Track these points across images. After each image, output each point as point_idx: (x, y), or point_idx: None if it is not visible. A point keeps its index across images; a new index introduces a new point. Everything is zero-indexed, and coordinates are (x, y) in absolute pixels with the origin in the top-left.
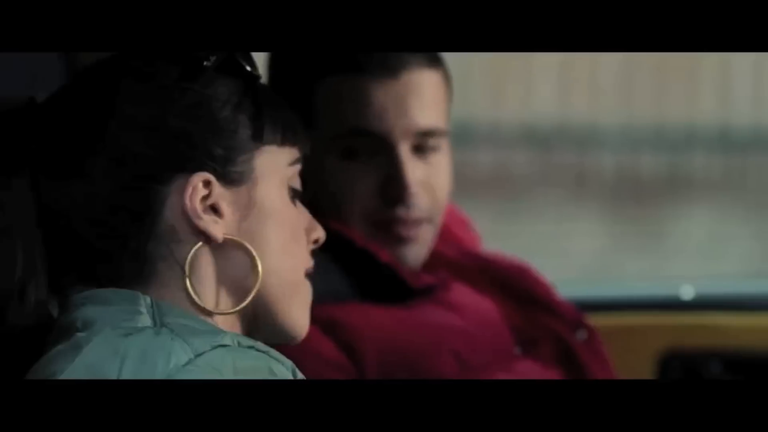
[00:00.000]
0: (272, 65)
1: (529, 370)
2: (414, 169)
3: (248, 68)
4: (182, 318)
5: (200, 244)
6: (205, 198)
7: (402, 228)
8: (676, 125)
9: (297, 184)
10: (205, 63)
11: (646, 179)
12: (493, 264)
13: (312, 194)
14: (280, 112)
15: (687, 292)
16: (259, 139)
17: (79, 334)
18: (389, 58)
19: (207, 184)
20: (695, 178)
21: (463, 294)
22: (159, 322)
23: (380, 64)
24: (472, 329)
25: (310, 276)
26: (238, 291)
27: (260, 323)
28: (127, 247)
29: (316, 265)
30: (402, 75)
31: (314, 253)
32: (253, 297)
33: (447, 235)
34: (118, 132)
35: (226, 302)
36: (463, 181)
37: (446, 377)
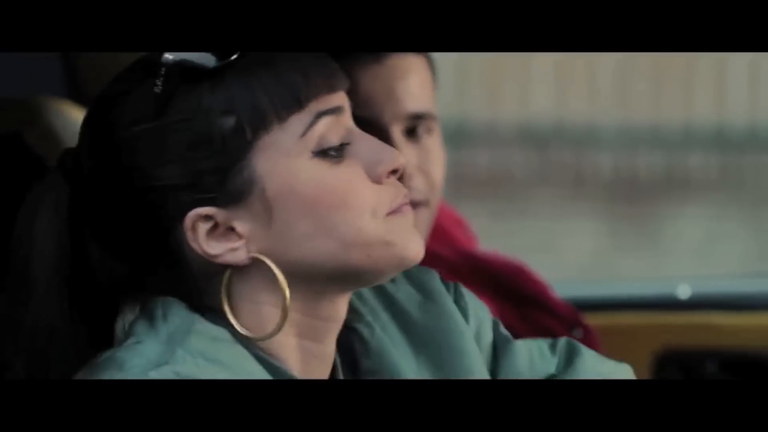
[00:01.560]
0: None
1: None
2: (407, 153)
3: (206, 65)
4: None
5: (229, 271)
6: (214, 229)
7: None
8: (672, 125)
9: (329, 140)
10: (155, 89)
11: (643, 179)
12: (488, 263)
13: None
14: (270, 84)
15: (683, 292)
16: (244, 137)
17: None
18: None
19: (207, 218)
20: (692, 177)
21: None
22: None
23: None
24: None
25: (407, 205)
26: (267, 306)
27: (354, 283)
28: (173, 289)
29: None
30: (388, 60)
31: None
32: (325, 283)
33: (442, 235)
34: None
35: (274, 318)
36: (460, 181)
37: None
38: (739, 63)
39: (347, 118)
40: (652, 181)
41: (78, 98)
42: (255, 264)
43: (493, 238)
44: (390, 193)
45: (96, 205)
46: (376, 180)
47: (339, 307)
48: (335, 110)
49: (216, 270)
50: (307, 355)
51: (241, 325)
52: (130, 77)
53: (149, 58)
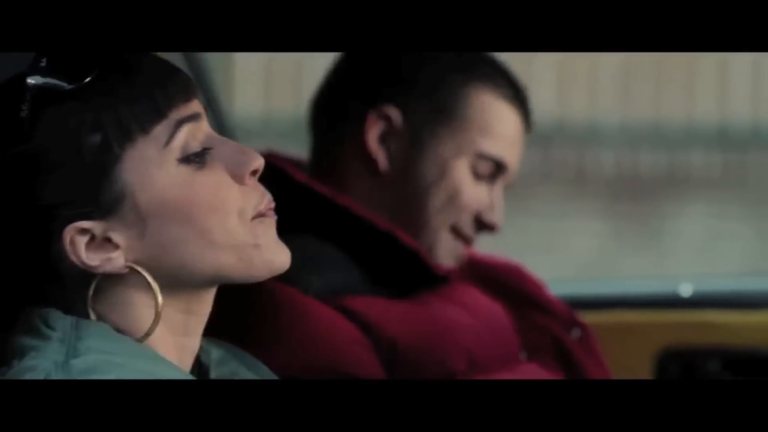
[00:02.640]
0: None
1: (533, 374)
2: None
3: (67, 86)
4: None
5: (97, 278)
6: (91, 241)
7: (467, 249)
8: (674, 123)
9: (192, 146)
10: (22, 114)
11: (645, 177)
12: (485, 265)
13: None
14: (131, 98)
15: (685, 290)
16: (110, 150)
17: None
18: (520, 90)
19: (83, 231)
20: (694, 175)
21: (472, 293)
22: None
23: (517, 96)
24: (483, 329)
25: (271, 210)
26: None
27: (226, 282)
28: (55, 298)
29: (324, 258)
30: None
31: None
32: (198, 284)
33: None
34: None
35: (148, 318)
36: None
37: (455, 375)
38: (741, 61)
39: (205, 125)
40: (654, 179)
41: None
42: (131, 270)
43: (494, 236)
44: (256, 195)
45: None
46: (240, 181)
47: (210, 301)
48: (194, 117)
49: (94, 280)
50: (181, 350)
51: (119, 327)
52: None
53: (13, 83)
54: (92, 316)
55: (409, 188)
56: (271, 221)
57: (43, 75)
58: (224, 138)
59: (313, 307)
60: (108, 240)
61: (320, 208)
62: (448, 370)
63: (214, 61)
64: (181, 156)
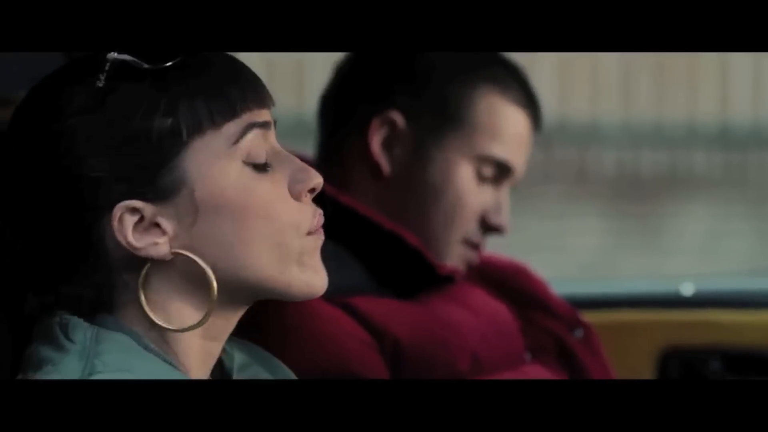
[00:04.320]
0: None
1: (537, 375)
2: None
3: (146, 65)
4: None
5: (148, 265)
6: (139, 222)
7: (478, 253)
8: (675, 122)
9: (258, 153)
10: (98, 84)
11: (646, 176)
12: (488, 265)
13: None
14: (208, 90)
15: (687, 289)
16: (179, 137)
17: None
18: (529, 90)
19: (134, 210)
20: (695, 175)
21: (476, 294)
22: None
23: (526, 97)
24: (488, 330)
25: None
26: (202, 302)
27: (262, 296)
28: (85, 280)
29: (329, 258)
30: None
31: (325, 232)
32: (236, 290)
33: None
34: (45, 179)
35: (191, 315)
36: None
37: (459, 376)
38: (742, 60)
39: (273, 136)
40: (655, 178)
41: None
42: (173, 261)
43: (495, 234)
44: (309, 213)
45: (20, 195)
46: (297, 197)
47: (242, 308)
48: (265, 124)
49: (135, 265)
50: (206, 354)
51: (157, 318)
52: (71, 71)
53: (92, 55)
54: (142, 299)
55: (413, 194)
56: (319, 240)
57: (124, 52)
58: (288, 153)
59: (319, 308)
60: (156, 225)
61: (325, 208)
62: (452, 370)
63: None
64: (246, 159)
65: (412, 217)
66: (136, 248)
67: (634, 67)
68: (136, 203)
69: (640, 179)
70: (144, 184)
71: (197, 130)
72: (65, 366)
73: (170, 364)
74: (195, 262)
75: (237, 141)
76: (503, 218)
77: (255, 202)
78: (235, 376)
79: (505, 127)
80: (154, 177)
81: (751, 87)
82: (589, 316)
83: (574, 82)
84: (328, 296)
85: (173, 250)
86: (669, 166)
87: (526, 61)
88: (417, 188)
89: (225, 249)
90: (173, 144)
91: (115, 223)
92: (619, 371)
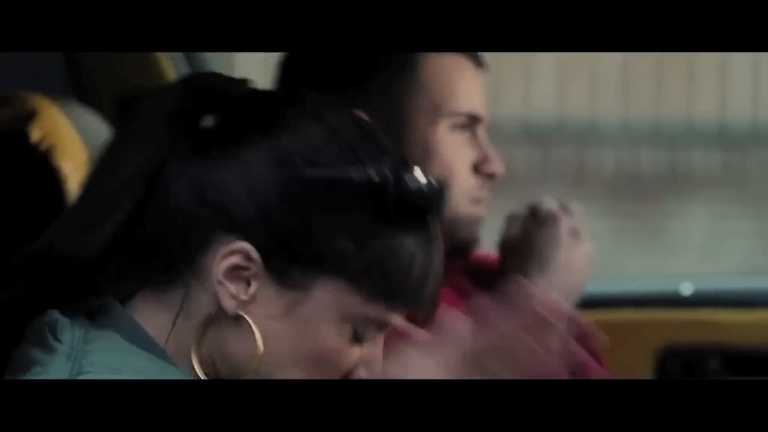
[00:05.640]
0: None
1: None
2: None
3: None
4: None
5: (215, 310)
6: (237, 269)
7: (484, 205)
8: (675, 121)
9: (363, 336)
10: (428, 218)
11: (646, 175)
12: (480, 263)
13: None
14: (406, 290)
15: (686, 288)
16: (322, 263)
17: None
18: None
19: (247, 257)
20: (694, 174)
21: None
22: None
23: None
24: None
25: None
26: (232, 367)
27: None
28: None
29: None
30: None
31: None
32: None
33: None
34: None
35: (213, 369)
36: None
37: None
38: (741, 60)
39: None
40: (654, 178)
41: (82, 97)
42: (234, 321)
43: (494, 234)
44: (376, 361)
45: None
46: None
47: None
48: (387, 329)
49: (207, 294)
50: None
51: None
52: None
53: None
54: (194, 355)
55: None
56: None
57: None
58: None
59: None
60: (247, 283)
61: None
62: None
63: (214, 61)
64: (353, 333)
65: None
66: (218, 282)
67: (632, 67)
68: (254, 254)
69: (639, 178)
70: (288, 250)
71: (353, 279)
72: (53, 367)
73: (163, 359)
74: (250, 334)
75: (378, 328)
76: (494, 164)
77: (338, 359)
78: None
79: (459, 81)
80: (296, 260)
81: (750, 86)
82: (587, 315)
83: (572, 81)
84: None
85: (239, 312)
86: (668, 165)
87: (526, 61)
88: None
89: (276, 356)
90: (310, 275)
91: (223, 253)
92: (617, 370)
